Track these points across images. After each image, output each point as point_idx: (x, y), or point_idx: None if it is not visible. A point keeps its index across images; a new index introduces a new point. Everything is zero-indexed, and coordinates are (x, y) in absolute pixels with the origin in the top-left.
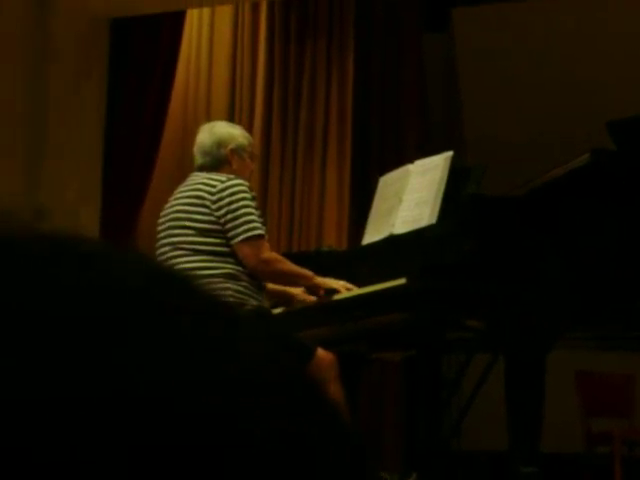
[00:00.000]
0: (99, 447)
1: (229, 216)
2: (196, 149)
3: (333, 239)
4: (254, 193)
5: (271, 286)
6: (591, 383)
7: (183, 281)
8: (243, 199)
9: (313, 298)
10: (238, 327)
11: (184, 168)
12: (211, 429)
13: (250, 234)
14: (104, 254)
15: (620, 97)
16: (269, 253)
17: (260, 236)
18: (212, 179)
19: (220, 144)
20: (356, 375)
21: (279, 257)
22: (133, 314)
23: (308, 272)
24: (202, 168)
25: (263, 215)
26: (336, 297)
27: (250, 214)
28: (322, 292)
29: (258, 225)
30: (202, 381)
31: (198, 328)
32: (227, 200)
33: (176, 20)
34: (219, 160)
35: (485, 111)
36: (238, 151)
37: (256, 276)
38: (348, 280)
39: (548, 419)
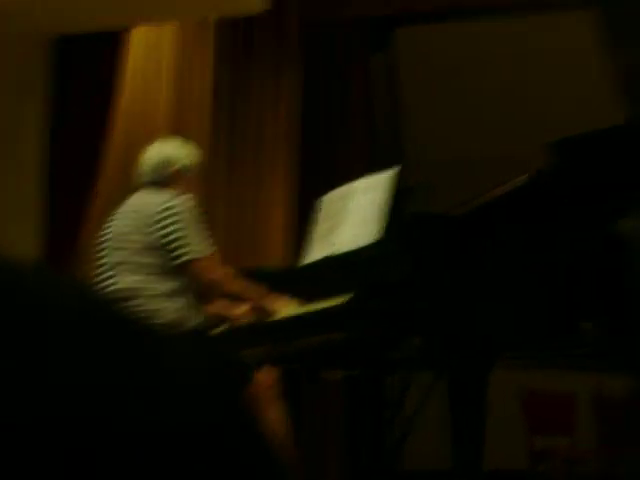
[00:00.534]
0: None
1: (172, 236)
2: (142, 167)
3: (278, 257)
4: (200, 212)
5: (211, 308)
6: (534, 401)
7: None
8: (186, 219)
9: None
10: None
11: (126, 187)
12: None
13: (193, 256)
14: (32, 276)
15: (560, 116)
16: (213, 274)
17: (204, 256)
18: (155, 198)
19: (166, 163)
20: (298, 394)
21: (223, 278)
22: (55, 329)
23: (255, 291)
24: (147, 186)
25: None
26: (277, 316)
27: (195, 234)
28: (267, 312)
29: (204, 245)
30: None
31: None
32: (172, 219)
33: (121, 38)
34: (164, 179)
35: (428, 129)
36: (184, 170)
37: (204, 292)
38: (291, 298)
39: (492, 436)
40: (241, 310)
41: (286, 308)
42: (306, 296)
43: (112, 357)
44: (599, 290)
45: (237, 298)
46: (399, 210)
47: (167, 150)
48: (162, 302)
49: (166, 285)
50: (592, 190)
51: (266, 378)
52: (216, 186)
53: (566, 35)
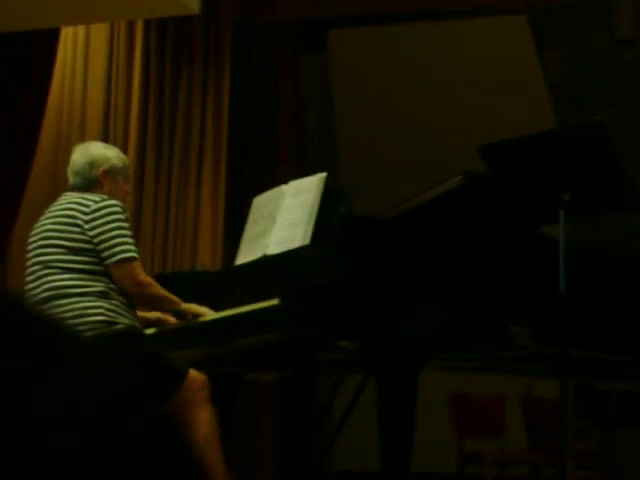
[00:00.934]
0: None
1: (103, 237)
2: (69, 169)
3: (207, 259)
4: (127, 214)
5: (141, 314)
6: (463, 404)
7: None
8: (117, 220)
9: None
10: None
11: (57, 187)
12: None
13: (125, 256)
14: None
15: (492, 120)
16: (143, 276)
17: (134, 258)
18: (85, 199)
19: (92, 165)
20: (230, 396)
21: (152, 281)
22: None
23: (176, 298)
24: (74, 188)
25: (137, 235)
26: (209, 318)
27: (124, 236)
28: (191, 317)
29: (132, 247)
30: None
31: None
32: (101, 221)
33: (50, 37)
34: (91, 181)
35: (360, 132)
36: (111, 173)
37: (128, 295)
38: (222, 300)
39: (421, 439)
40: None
41: (210, 313)
42: (239, 297)
43: (21, 360)
44: (529, 294)
45: (150, 304)
46: (329, 212)
47: (93, 152)
48: (93, 302)
49: (99, 285)
50: (522, 193)
51: (197, 380)
52: (144, 186)
53: (498, 40)
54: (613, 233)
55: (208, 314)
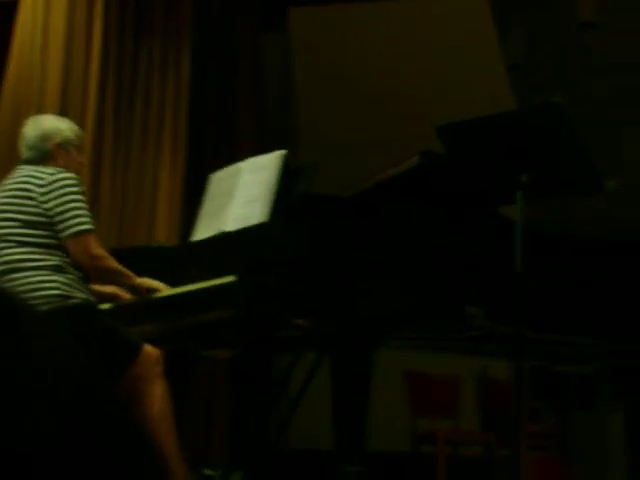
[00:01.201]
0: None
1: (58, 209)
2: (22, 142)
3: (164, 235)
4: (83, 187)
5: (96, 288)
6: (418, 383)
7: None
8: (72, 193)
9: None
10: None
11: (14, 160)
12: None
13: (79, 228)
14: None
15: (452, 100)
16: (98, 249)
17: (89, 231)
18: (40, 172)
19: (45, 138)
20: (185, 372)
21: (106, 254)
22: None
23: (130, 272)
24: (28, 162)
25: (94, 209)
26: (165, 293)
27: (79, 208)
28: (145, 292)
29: (87, 220)
30: None
31: None
32: (55, 193)
33: (8, 9)
34: (44, 154)
35: (320, 110)
36: (64, 145)
37: (83, 269)
38: (178, 276)
39: (375, 418)
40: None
41: (163, 288)
42: (196, 273)
43: None
44: (485, 274)
45: (105, 278)
46: (288, 190)
47: (45, 124)
48: (48, 275)
49: (54, 259)
50: (480, 174)
51: (151, 355)
52: (102, 159)
53: (459, 20)
54: (570, 214)
55: (162, 289)
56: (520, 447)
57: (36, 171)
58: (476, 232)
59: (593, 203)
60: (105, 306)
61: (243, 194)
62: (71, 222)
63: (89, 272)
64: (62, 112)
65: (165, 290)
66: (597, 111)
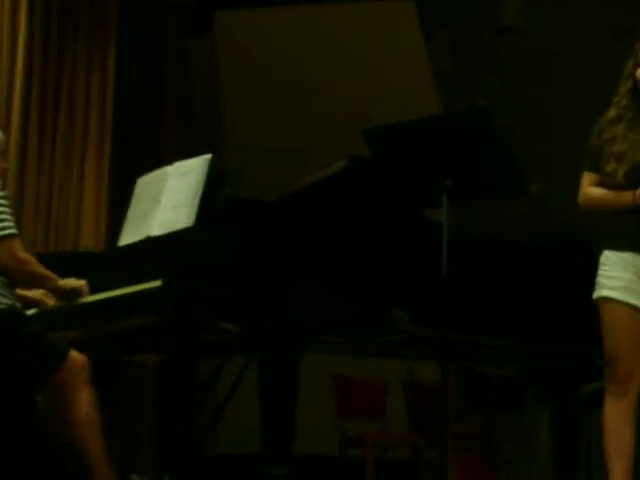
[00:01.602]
0: None
1: None
2: None
3: (90, 239)
4: (6, 192)
5: (21, 292)
6: (345, 387)
7: None
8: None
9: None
10: None
11: None
12: None
13: (4, 233)
14: None
15: (378, 105)
16: (23, 253)
17: (14, 235)
18: None
19: None
20: (111, 378)
21: (31, 258)
22: None
23: (54, 275)
24: None
25: (19, 213)
26: (91, 299)
27: (2, 213)
28: (69, 292)
29: (11, 224)
30: None
31: None
32: None
33: None
34: None
35: (247, 115)
36: None
37: (8, 275)
38: (105, 281)
39: (302, 421)
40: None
41: (86, 287)
42: (122, 278)
43: None
44: (410, 277)
45: (31, 282)
46: (214, 194)
47: None
48: None
49: None
50: (405, 177)
51: (77, 361)
52: (26, 164)
53: (386, 25)
54: (494, 217)
55: (84, 287)
56: (447, 448)
57: None
58: (401, 236)
59: (516, 207)
60: (31, 312)
61: (169, 198)
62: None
63: (15, 276)
64: None
65: (92, 295)
66: (522, 115)
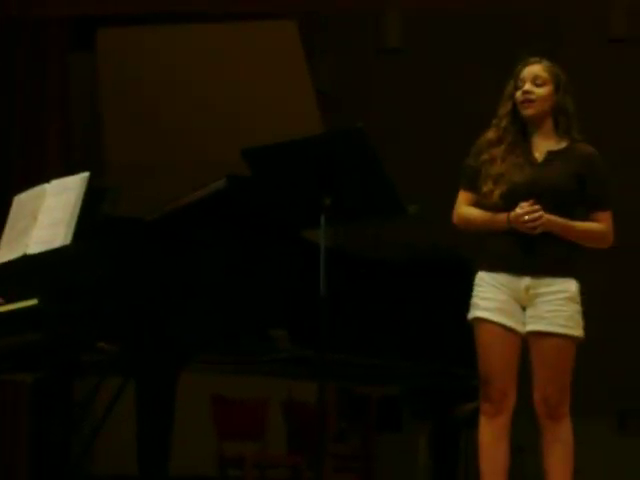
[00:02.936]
0: None
1: None
2: None
3: None
4: None
5: None
6: (224, 407)
7: None
8: None
9: None
10: None
11: None
12: None
13: None
14: None
15: (260, 124)
16: None
17: None
18: None
19: None
20: None
21: None
22: None
23: None
24: None
25: None
26: None
27: None
28: None
29: None
30: None
31: None
32: None
33: None
34: None
35: (126, 133)
36: None
37: None
38: None
39: (182, 442)
40: None
41: None
42: None
43: None
44: (289, 297)
45: None
46: (91, 212)
47: None
48: None
49: None
50: (284, 197)
51: None
52: None
53: (269, 44)
54: (377, 237)
55: None
56: (324, 469)
57: None
58: (279, 255)
59: (398, 226)
60: None
61: (47, 216)
62: None
63: None
64: None
65: None
66: (403, 136)
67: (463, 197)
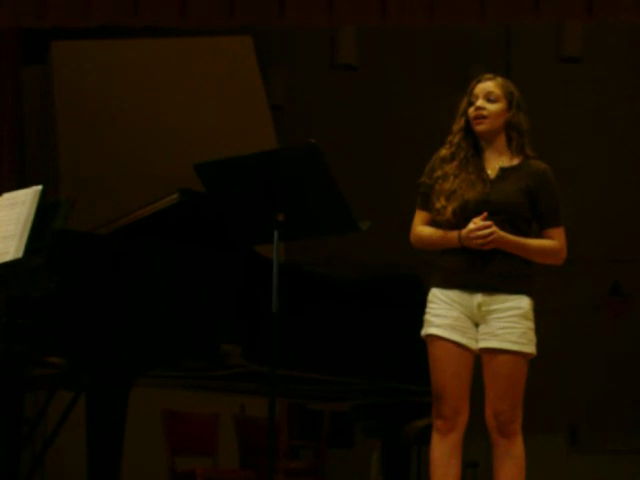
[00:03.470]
0: None
1: None
2: None
3: None
4: None
5: None
6: (176, 421)
7: None
8: None
9: None
10: None
11: None
12: None
13: None
14: None
15: (214, 139)
16: None
17: None
18: None
19: None
20: None
21: None
22: None
23: None
24: None
25: None
26: None
27: None
28: None
29: None
30: None
31: None
32: None
33: None
34: None
35: (80, 146)
36: None
37: None
38: None
39: (133, 457)
40: None
41: None
42: None
43: None
44: (241, 312)
45: None
46: (44, 226)
47: None
48: None
49: None
50: (237, 213)
51: None
52: None
53: (223, 59)
54: (330, 255)
55: None
56: None
57: None
58: (232, 271)
59: (351, 244)
60: None
61: None
62: None
63: None
64: None
65: None
66: (355, 152)
67: (419, 217)
